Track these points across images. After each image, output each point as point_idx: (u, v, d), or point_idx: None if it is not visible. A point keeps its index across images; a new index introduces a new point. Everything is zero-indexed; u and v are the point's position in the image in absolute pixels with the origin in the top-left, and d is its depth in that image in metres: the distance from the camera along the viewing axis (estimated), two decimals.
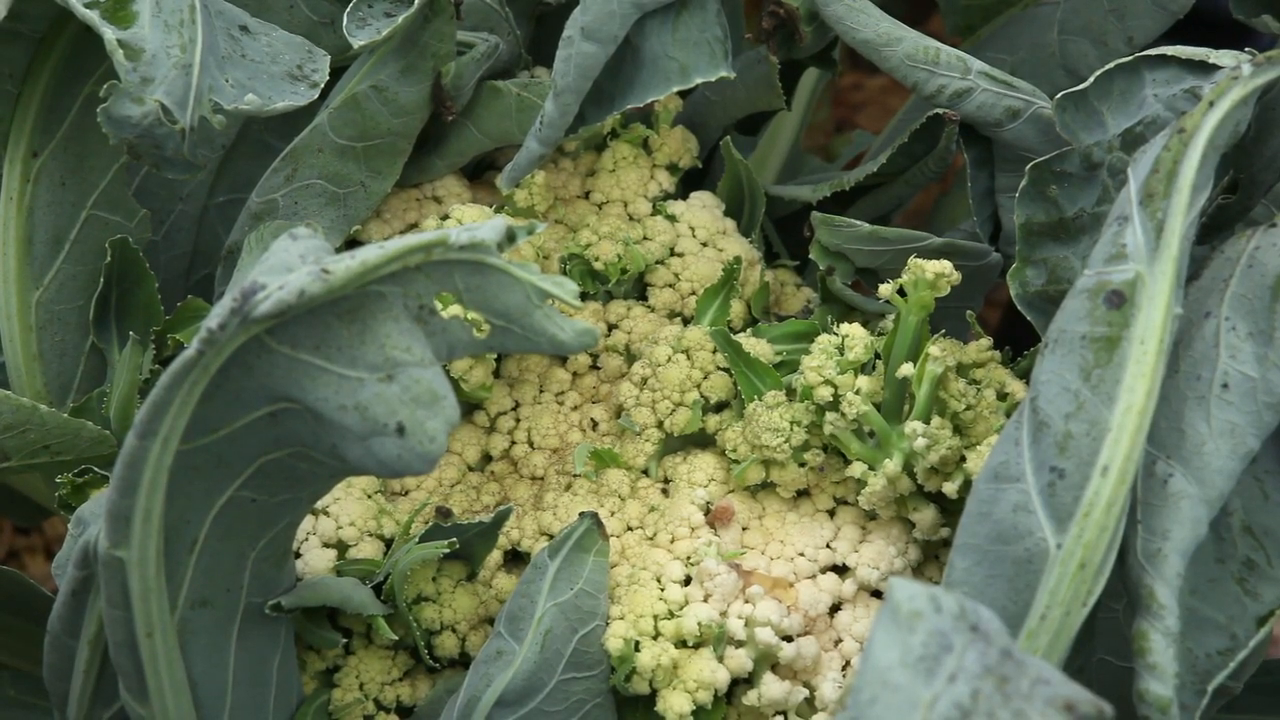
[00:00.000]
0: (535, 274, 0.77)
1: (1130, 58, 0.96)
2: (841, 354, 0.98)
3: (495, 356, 1.06)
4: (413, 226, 1.12)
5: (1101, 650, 0.97)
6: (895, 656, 0.52)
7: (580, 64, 0.95)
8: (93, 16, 0.88)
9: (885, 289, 0.96)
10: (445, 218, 1.08)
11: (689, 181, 1.20)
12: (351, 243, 1.10)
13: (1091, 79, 0.96)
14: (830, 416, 0.97)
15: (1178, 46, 0.95)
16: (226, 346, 0.73)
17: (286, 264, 0.74)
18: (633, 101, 0.99)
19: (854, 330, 0.99)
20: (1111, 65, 0.96)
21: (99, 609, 0.85)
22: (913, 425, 0.94)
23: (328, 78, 0.97)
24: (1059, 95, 0.97)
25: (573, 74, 0.95)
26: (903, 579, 0.55)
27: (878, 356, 0.98)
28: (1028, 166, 0.98)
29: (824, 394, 0.97)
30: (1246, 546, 0.88)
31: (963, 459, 0.95)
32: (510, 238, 0.78)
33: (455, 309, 0.79)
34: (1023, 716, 0.52)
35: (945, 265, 0.95)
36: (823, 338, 0.99)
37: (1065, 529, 0.82)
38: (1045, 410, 0.83)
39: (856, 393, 0.96)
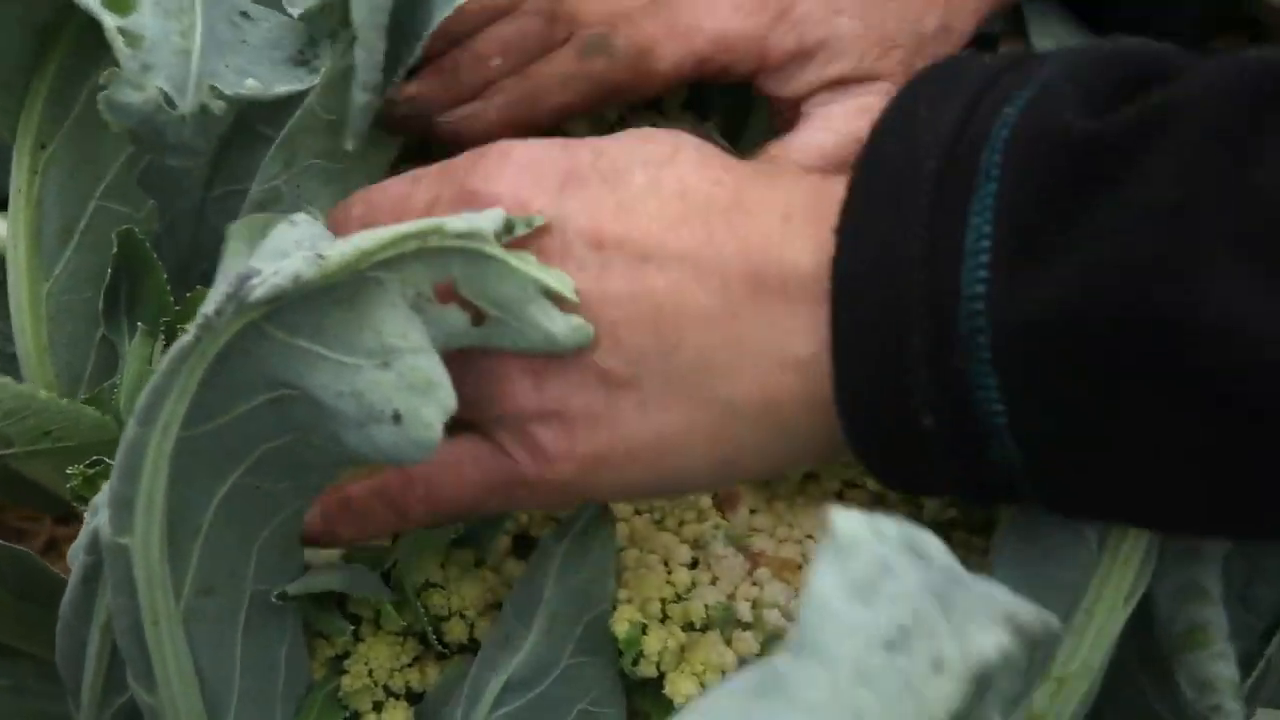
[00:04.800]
0: (533, 265, 0.77)
1: None
2: None
3: None
4: None
5: None
6: (835, 583, 0.51)
7: None
8: (92, 4, 0.88)
9: None
10: None
11: None
12: None
13: None
14: None
15: None
16: (224, 332, 0.73)
17: (282, 249, 0.74)
18: (437, 22, 0.93)
19: None
20: None
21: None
22: None
23: (328, 63, 0.96)
24: None
25: (365, 8, 0.90)
26: (844, 510, 0.54)
27: None
28: None
29: None
30: None
31: None
32: (509, 228, 0.78)
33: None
34: (964, 632, 0.51)
35: None
36: None
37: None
38: None
39: None
